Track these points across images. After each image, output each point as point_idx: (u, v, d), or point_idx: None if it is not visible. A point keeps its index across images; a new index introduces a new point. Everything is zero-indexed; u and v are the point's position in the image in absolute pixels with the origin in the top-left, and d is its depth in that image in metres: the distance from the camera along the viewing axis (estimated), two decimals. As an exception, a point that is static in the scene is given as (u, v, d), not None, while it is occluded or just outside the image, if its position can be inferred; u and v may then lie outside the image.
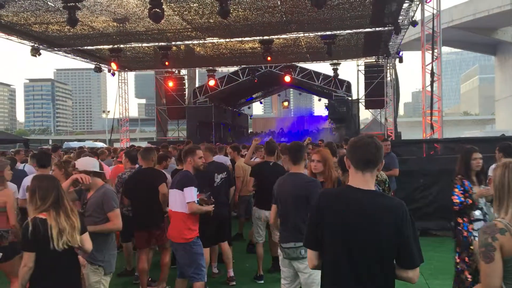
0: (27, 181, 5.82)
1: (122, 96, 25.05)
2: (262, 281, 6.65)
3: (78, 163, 4.56)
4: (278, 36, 16.85)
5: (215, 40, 17.56)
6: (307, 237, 2.67)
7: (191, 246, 5.12)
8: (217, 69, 26.29)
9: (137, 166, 7.09)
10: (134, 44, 18.19)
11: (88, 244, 3.75)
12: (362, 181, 2.51)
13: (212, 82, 25.45)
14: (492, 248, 2.44)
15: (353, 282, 2.44)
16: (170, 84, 25.44)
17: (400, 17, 15.32)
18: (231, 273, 6.59)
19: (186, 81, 27.38)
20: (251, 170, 7.18)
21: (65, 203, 3.61)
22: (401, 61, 20.95)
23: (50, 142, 51.83)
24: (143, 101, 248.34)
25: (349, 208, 2.48)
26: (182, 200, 5.05)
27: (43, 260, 3.50)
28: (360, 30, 16.41)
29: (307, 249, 2.69)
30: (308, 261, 2.70)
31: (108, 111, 60.90)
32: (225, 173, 6.71)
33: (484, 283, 2.49)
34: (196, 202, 5.07)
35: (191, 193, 5.05)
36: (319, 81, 25.87)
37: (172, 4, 13.13)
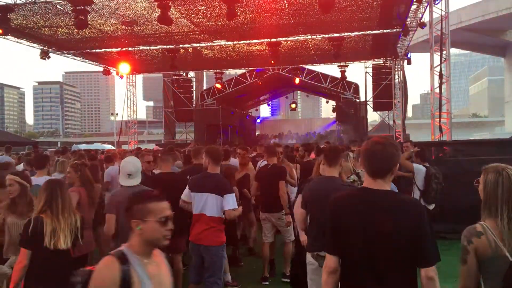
0: None
1: (130, 98, 25.16)
2: (267, 283, 6.63)
3: None
4: (286, 39, 16.85)
5: (223, 42, 17.61)
6: (327, 242, 2.66)
7: (223, 250, 5.15)
8: (224, 71, 26.34)
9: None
10: (142, 47, 18.29)
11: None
12: (375, 184, 2.53)
13: (218, 85, 25.55)
14: (466, 251, 2.55)
15: (373, 281, 2.43)
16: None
17: (408, 19, 15.28)
18: (228, 278, 6.46)
19: (193, 84, 27.46)
20: (255, 175, 7.18)
21: (58, 202, 3.74)
22: (409, 63, 20.88)
23: (59, 144, 52.03)
24: (151, 103, 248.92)
25: (364, 208, 2.49)
26: (219, 205, 4.99)
27: (38, 258, 3.61)
28: (368, 32, 16.38)
29: (327, 254, 2.68)
30: (325, 267, 2.68)
31: (116, 114, 61.12)
32: None
33: (461, 283, 2.62)
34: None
35: (234, 200, 5.05)
36: (327, 83, 25.81)
37: (180, 7, 13.19)
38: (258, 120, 41.05)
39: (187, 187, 5.21)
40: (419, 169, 6.78)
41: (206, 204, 5.02)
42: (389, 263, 2.41)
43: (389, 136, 21.20)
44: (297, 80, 24.48)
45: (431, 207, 6.84)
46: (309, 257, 4.38)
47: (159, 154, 8.02)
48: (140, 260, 2.25)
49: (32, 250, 3.60)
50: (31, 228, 3.60)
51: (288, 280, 6.51)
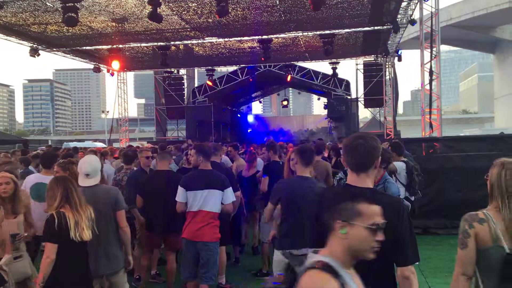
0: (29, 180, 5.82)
1: (121, 96, 25.05)
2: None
3: None
4: (277, 35, 16.85)
5: (214, 39, 17.56)
6: (317, 239, 2.61)
7: (218, 245, 5.25)
8: (216, 68, 26.30)
9: (133, 166, 7.00)
10: (133, 44, 18.19)
11: None
12: (358, 180, 2.55)
13: (209, 83, 25.57)
14: (467, 235, 2.51)
15: None
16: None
17: (399, 16, 15.34)
18: (223, 280, 6.34)
19: (185, 81, 27.39)
20: (263, 169, 7.15)
21: (74, 196, 3.83)
22: (400, 59, 20.95)
23: (50, 143, 51.65)
24: (142, 101, 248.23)
25: None
26: (220, 200, 5.11)
27: (65, 251, 3.69)
28: (359, 29, 16.43)
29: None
30: None
31: (107, 111, 60.94)
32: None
33: (458, 269, 2.56)
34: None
35: (232, 193, 5.22)
36: (318, 80, 25.89)
37: (171, 4, 13.13)
38: (251, 117, 40.90)
39: (180, 188, 5.15)
40: (400, 166, 6.84)
41: (206, 200, 5.06)
42: (367, 261, 2.42)
43: (374, 132, 21.33)
44: (288, 77, 24.52)
45: (412, 198, 6.94)
46: (277, 253, 4.40)
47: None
48: (346, 272, 1.88)
49: (59, 243, 3.66)
50: (57, 223, 3.65)
51: None
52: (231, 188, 5.22)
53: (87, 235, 3.78)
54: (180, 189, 5.13)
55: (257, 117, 39.57)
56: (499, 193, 2.56)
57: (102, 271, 4.37)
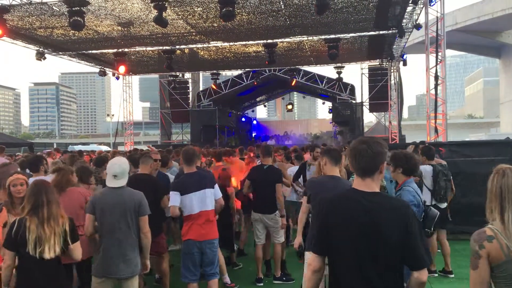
0: None
1: (126, 99, 25.14)
2: (262, 284, 6.64)
3: None
4: (282, 40, 16.88)
5: (219, 43, 17.60)
6: (317, 242, 2.64)
7: (217, 242, 5.35)
8: (221, 72, 26.34)
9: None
10: (138, 48, 18.26)
11: (77, 253, 3.76)
12: (364, 185, 2.53)
13: (213, 86, 25.62)
14: (478, 256, 2.43)
15: (361, 282, 2.42)
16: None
17: (404, 20, 15.33)
18: (227, 279, 6.43)
19: (190, 85, 27.44)
20: (247, 174, 7.18)
21: (44, 211, 3.58)
22: (405, 64, 20.93)
23: (55, 146, 51.76)
24: (147, 104, 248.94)
25: (354, 210, 2.47)
26: (213, 197, 5.30)
27: (24, 263, 3.54)
28: (364, 33, 16.43)
29: (312, 254, 2.64)
30: (310, 265, 2.65)
31: (113, 115, 61.04)
32: None
33: None
34: None
35: (219, 189, 5.44)
36: (323, 84, 25.86)
37: (177, 8, 13.18)
38: (254, 121, 40.96)
39: (173, 192, 5.15)
40: (425, 169, 6.76)
41: (204, 200, 5.18)
42: (376, 264, 2.41)
43: (379, 137, 21.26)
44: (293, 81, 24.53)
45: (443, 205, 6.82)
46: (307, 254, 4.41)
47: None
48: None
49: (15, 251, 3.52)
50: (15, 229, 3.51)
51: (280, 282, 6.63)
52: (216, 184, 5.49)
53: (47, 253, 3.50)
54: (174, 194, 5.14)
55: (258, 123, 39.62)
56: (497, 204, 2.48)
57: (118, 274, 4.34)
